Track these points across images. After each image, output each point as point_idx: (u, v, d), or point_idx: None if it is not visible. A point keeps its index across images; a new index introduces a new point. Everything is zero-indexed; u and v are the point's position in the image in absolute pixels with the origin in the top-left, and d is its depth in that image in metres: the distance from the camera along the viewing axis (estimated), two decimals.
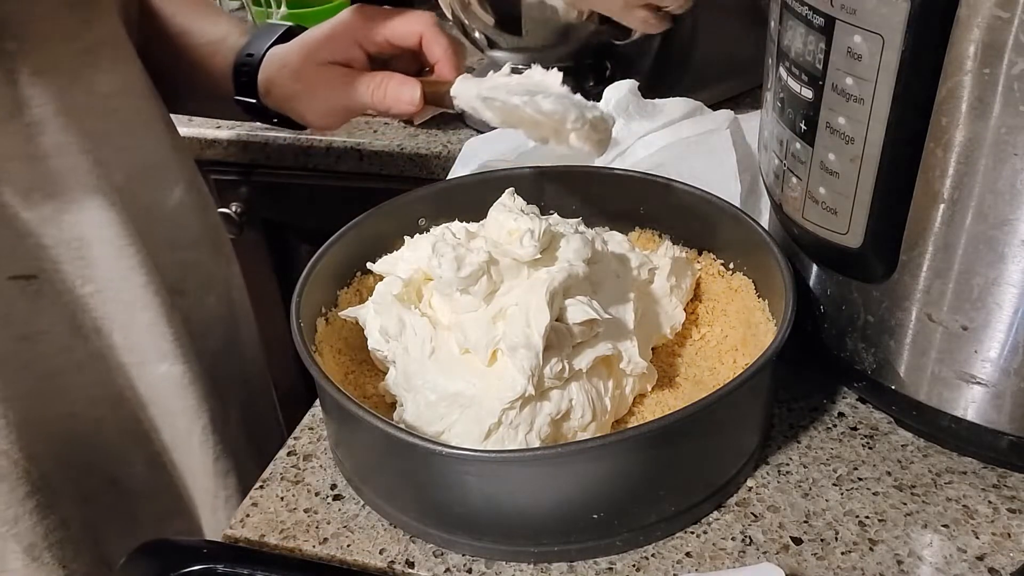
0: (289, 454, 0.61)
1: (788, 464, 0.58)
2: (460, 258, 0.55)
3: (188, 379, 0.74)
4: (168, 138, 0.75)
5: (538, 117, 0.61)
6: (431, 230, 0.68)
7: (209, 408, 0.76)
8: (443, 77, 0.69)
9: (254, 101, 0.75)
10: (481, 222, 0.63)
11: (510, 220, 0.59)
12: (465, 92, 0.65)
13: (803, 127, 0.53)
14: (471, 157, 0.84)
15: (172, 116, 0.78)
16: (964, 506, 0.54)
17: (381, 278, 0.65)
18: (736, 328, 0.63)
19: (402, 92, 0.67)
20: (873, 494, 0.56)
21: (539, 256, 0.57)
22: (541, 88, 0.61)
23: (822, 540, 0.53)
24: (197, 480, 0.79)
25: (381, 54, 0.71)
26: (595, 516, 0.51)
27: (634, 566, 0.52)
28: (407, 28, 0.70)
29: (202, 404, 0.76)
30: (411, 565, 0.53)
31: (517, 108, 0.61)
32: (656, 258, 0.65)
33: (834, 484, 0.56)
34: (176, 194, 0.75)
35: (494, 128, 0.66)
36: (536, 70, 0.63)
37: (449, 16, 0.92)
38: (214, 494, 0.79)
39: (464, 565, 0.53)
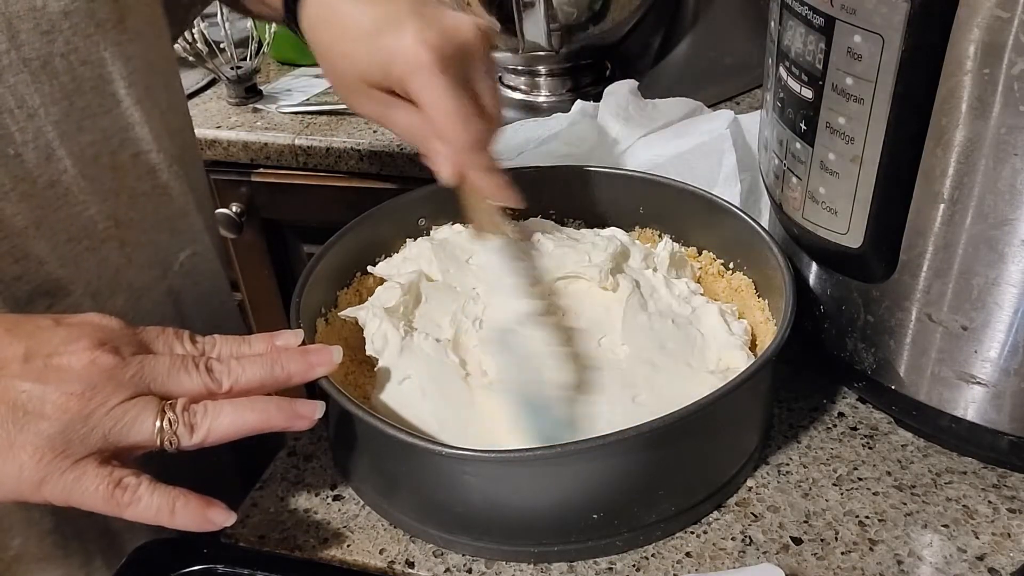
0: (289, 454, 0.61)
1: (788, 464, 0.58)
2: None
3: None
4: None
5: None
6: (431, 231, 0.68)
7: None
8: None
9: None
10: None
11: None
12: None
13: (803, 127, 0.53)
14: None
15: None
16: (964, 506, 0.54)
17: (381, 280, 0.65)
18: None
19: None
20: (873, 494, 0.56)
21: None
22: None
23: (822, 540, 0.53)
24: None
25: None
26: (595, 516, 0.51)
27: (634, 566, 0.52)
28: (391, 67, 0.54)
29: None
30: (411, 565, 0.53)
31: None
32: (656, 253, 0.65)
33: (834, 484, 0.56)
34: None
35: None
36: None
37: None
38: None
39: (464, 565, 0.53)
